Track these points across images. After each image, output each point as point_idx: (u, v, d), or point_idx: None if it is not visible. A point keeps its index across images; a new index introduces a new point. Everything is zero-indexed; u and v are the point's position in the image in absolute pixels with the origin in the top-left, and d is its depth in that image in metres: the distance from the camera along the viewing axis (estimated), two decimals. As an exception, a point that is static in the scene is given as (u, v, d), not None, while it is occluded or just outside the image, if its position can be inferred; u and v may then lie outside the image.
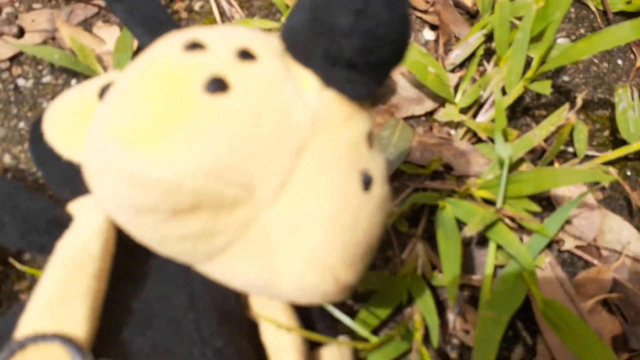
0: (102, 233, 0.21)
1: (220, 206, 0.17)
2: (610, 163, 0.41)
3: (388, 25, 0.17)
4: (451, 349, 0.34)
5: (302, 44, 0.19)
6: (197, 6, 0.43)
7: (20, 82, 0.38)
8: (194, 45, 0.18)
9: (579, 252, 0.37)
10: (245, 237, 0.18)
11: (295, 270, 0.19)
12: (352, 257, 0.19)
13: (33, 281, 0.32)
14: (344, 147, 0.19)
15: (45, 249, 0.22)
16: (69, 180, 0.25)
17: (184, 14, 0.43)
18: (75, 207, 0.23)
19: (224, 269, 0.20)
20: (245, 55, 0.18)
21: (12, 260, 0.32)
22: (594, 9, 0.49)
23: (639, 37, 0.33)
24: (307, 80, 0.19)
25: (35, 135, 0.26)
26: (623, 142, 0.40)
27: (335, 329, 0.27)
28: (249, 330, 0.24)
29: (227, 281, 0.21)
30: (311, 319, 0.26)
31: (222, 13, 0.43)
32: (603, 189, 0.41)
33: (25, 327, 0.18)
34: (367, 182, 0.19)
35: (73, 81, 0.38)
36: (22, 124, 0.37)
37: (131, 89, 0.18)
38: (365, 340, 0.29)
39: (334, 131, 0.18)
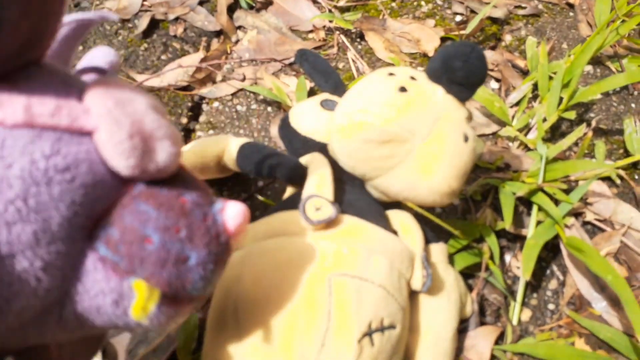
0: (328, 165, 0.43)
1: (400, 141, 0.39)
2: (623, 169, 0.60)
3: (478, 67, 0.39)
4: (507, 278, 0.53)
5: (437, 75, 0.41)
6: (340, 66, 0.68)
7: (239, 107, 0.63)
8: (390, 74, 0.41)
9: (597, 223, 0.56)
10: (407, 159, 0.40)
11: (430, 177, 0.40)
12: (458, 174, 0.40)
13: (264, 210, 0.55)
14: (456, 120, 0.40)
15: (293, 179, 0.45)
16: (303, 146, 0.48)
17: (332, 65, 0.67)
18: (305, 159, 0.46)
19: (392, 178, 0.41)
20: (413, 78, 0.41)
21: (257, 195, 0.54)
22: (614, 70, 0.69)
23: (630, 82, 0.53)
24: (439, 89, 0.41)
25: (284, 123, 0.49)
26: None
27: (437, 238, 0.48)
28: (392, 227, 0.44)
29: (390, 187, 0.42)
30: (424, 230, 0.47)
31: (357, 70, 0.67)
32: (617, 186, 0.59)
33: (307, 193, 0.40)
34: (466, 138, 0.41)
35: (269, 108, 0.63)
36: (241, 132, 0.61)
37: (364, 90, 0.41)
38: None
39: (451, 112, 0.40)
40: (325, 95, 0.50)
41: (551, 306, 0.52)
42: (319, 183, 0.41)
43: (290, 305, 0.34)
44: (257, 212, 0.55)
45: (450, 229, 0.45)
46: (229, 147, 0.48)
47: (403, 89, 0.39)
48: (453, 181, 0.40)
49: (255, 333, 0.34)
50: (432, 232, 0.47)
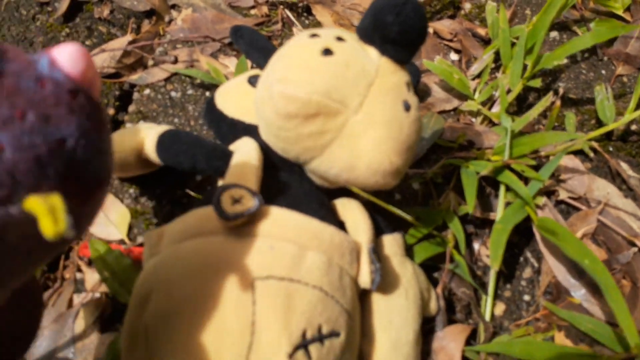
0: (256, 149, 0.37)
1: (329, 114, 0.33)
2: (596, 141, 0.54)
3: (413, 20, 0.33)
4: (477, 268, 0.48)
5: (368, 34, 0.35)
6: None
7: (173, 94, 0.56)
8: (313, 35, 0.35)
9: (571, 202, 0.51)
10: (340, 135, 0.34)
11: (368, 153, 0.34)
12: (400, 149, 0.34)
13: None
14: (393, 86, 0.34)
15: (219, 169, 0.38)
16: (232, 130, 0.41)
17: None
18: (234, 145, 0.40)
19: (327, 160, 0.35)
20: (340, 39, 0.35)
21: (189, 191, 0.48)
22: (581, 34, 0.64)
23: (595, 43, 0.48)
24: (372, 51, 0.35)
25: (210, 106, 0.43)
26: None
27: (392, 228, 0.42)
28: (337, 220, 0.39)
29: (328, 170, 0.36)
30: (377, 220, 0.41)
31: (304, 46, 0.61)
32: (590, 160, 0.54)
33: (226, 182, 0.34)
34: (407, 107, 0.35)
35: (207, 92, 0.56)
36: (176, 120, 0.54)
37: (282, 57, 0.35)
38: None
39: (387, 77, 0.34)
40: (253, 72, 0.44)
41: (527, 297, 0.47)
42: (239, 172, 0.35)
43: (205, 319, 0.28)
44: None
45: (405, 216, 0.39)
46: (148, 137, 0.41)
47: (328, 52, 0.33)
48: (395, 157, 0.34)
49: (165, 356, 0.28)
50: (385, 222, 0.41)
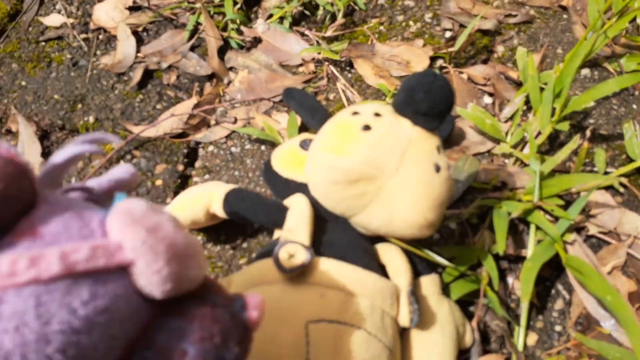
0: (308, 206, 0.43)
1: (369, 179, 0.39)
2: (625, 176, 0.57)
3: (441, 95, 0.39)
4: (511, 301, 0.52)
5: (401, 107, 0.41)
6: (331, 97, 0.68)
7: (233, 149, 0.64)
8: (355, 113, 0.41)
9: (601, 236, 0.54)
10: (379, 196, 0.40)
11: (404, 211, 0.40)
12: (432, 205, 0.40)
13: (251, 258, 0.55)
14: (424, 152, 0.40)
15: (277, 222, 0.45)
16: (286, 188, 0.48)
17: (324, 102, 0.67)
18: (288, 201, 0.46)
19: (368, 216, 0.41)
20: (377, 114, 0.41)
21: (247, 239, 0.55)
22: (613, 71, 0.67)
23: (620, 88, 0.52)
24: (405, 123, 0.41)
25: (267, 167, 0.50)
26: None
27: (429, 269, 0.47)
28: (380, 266, 0.44)
29: (369, 224, 0.42)
30: (415, 262, 0.46)
31: (347, 99, 0.67)
32: (622, 194, 0.57)
33: (282, 239, 0.40)
34: (437, 169, 0.40)
35: (262, 147, 0.64)
36: (236, 173, 0.62)
37: (329, 132, 0.41)
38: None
39: (419, 144, 0.40)
40: (304, 135, 0.50)
41: (558, 328, 0.50)
42: (294, 226, 0.41)
43: (266, 357, 0.35)
44: (253, 254, 0.55)
45: (439, 260, 0.44)
46: (215, 196, 0.49)
47: (367, 127, 0.39)
48: (428, 213, 0.40)
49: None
50: (423, 263, 0.47)
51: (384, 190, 0.39)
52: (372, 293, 0.39)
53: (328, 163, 0.39)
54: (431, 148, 0.41)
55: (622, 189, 0.56)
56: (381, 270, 0.44)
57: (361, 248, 0.44)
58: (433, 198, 0.40)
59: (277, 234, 0.48)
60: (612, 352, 0.46)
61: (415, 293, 0.42)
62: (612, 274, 0.52)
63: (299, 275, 0.38)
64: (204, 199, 0.49)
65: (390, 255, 0.44)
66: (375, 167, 0.39)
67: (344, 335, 0.36)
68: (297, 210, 0.43)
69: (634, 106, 0.64)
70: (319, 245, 0.41)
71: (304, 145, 0.49)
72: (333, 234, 0.44)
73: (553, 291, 0.52)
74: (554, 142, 0.62)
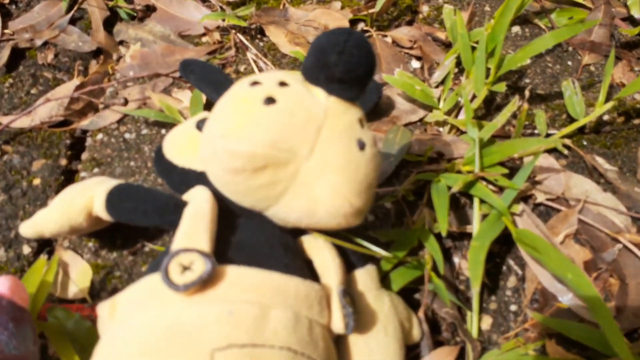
0: (210, 201, 0.35)
1: (278, 164, 0.31)
2: (568, 137, 0.53)
3: (358, 57, 0.31)
4: (459, 283, 0.46)
5: (312, 74, 0.33)
6: (242, 69, 0.59)
7: (127, 135, 0.54)
8: (254, 83, 0.33)
9: (550, 203, 0.49)
10: (294, 184, 0.32)
11: (325, 199, 0.32)
12: (359, 189, 0.32)
13: (156, 265, 0.46)
14: (344, 126, 0.32)
15: (174, 223, 0.36)
16: (183, 180, 0.39)
17: (233, 76, 0.58)
18: (188, 195, 0.37)
19: (284, 208, 0.33)
20: (283, 84, 0.33)
21: (147, 243, 0.46)
22: (544, 27, 0.62)
23: (556, 43, 0.46)
24: (318, 92, 0.33)
25: (158, 156, 0.41)
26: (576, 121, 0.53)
27: (364, 259, 0.40)
28: (305, 262, 0.37)
29: (287, 217, 0.34)
30: (347, 254, 0.39)
31: (260, 70, 0.58)
32: (565, 157, 0.53)
33: (174, 247, 0.31)
34: (361, 145, 0.33)
35: (162, 130, 0.54)
36: (132, 163, 0.52)
37: (223, 109, 0.32)
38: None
39: (337, 118, 0.32)
40: (203, 114, 0.41)
41: (513, 307, 0.45)
42: (190, 230, 0.32)
43: None
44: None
45: (376, 251, 0.37)
46: (96, 196, 0.39)
47: (270, 100, 0.31)
48: (354, 199, 0.32)
49: None
50: (356, 255, 0.39)
51: (299, 176, 0.31)
52: (295, 302, 0.31)
53: (224, 148, 0.31)
54: (351, 121, 0.33)
55: (565, 151, 0.52)
56: (308, 268, 0.36)
57: (281, 245, 0.35)
58: (358, 181, 0.32)
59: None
60: (575, 330, 0.40)
61: (349, 293, 0.34)
62: (564, 244, 0.47)
63: (198, 290, 0.29)
64: (83, 200, 0.40)
65: (318, 249, 0.36)
66: (284, 149, 0.31)
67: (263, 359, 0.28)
68: (194, 207, 0.34)
69: (569, 63, 0.60)
70: (225, 248, 0.33)
71: (201, 125, 0.40)
72: (244, 232, 0.35)
73: (504, 268, 0.47)
74: (489, 106, 0.56)
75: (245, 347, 0.28)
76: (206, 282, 0.29)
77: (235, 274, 0.30)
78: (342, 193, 0.32)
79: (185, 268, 0.29)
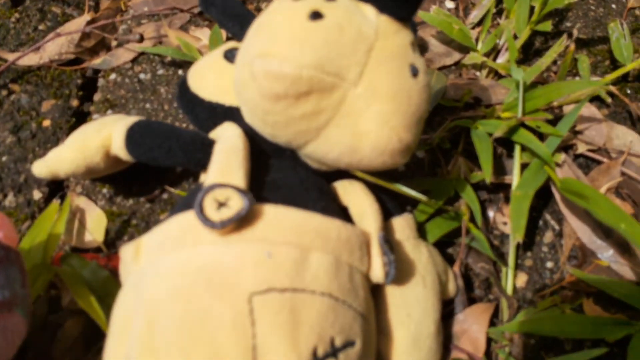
0: (242, 136, 0.32)
1: (323, 90, 0.28)
2: (613, 84, 0.49)
3: None
4: (493, 238, 0.44)
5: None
6: (263, 5, 0.55)
7: (142, 76, 0.51)
8: (300, -2, 0.29)
9: (591, 154, 0.46)
10: (339, 114, 0.29)
11: (372, 132, 0.29)
12: (409, 122, 0.29)
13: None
14: (396, 48, 0.29)
15: (200, 162, 0.34)
16: (210, 116, 0.36)
17: (255, 13, 0.54)
18: (215, 133, 0.35)
19: (325, 143, 0.30)
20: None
21: (168, 188, 0.43)
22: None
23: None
24: (369, 10, 0.29)
25: (182, 89, 0.38)
26: (621, 67, 0.49)
27: (400, 209, 0.37)
28: (341, 208, 0.34)
29: (326, 154, 0.31)
30: (383, 201, 0.36)
31: (283, 8, 0.54)
32: (608, 106, 0.49)
33: (208, 182, 0.29)
34: (414, 72, 0.30)
35: (180, 71, 0.51)
36: (148, 105, 0.49)
37: (262, 26, 0.29)
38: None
39: (389, 38, 0.29)
40: (230, 44, 0.38)
41: (549, 264, 0.43)
42: (224, 166, 0.30)
43: (197, 349, 0.24)
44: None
45: (417, 196, 0.35)
46: (115, 133, 0.36)
47: (317, 15, 0.28)
48: (404, 133, 0.29)
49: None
50: (393, 202, 0.37)
51: (345, 105, 0.28)
52: (336, 246, 0.29)
53: (265, 70, 0.27)
54: (404, 44, 0.30)
55: (609, 99, 0.49)
56: (343, 214, 0.33)
57: (316, 188, 0.33)
58: (410, 113, 0.29)
59: (203, 178, 0.36)
60: (616, 288, 0.38)
61: (389, 240, 0.32)
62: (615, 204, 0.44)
63: (234, 230, 0.27)
64: (100, 138, 0.37)
65: (354, 194, 0.34)
66: (331, 72, 0.27)
67: (302, 306, 0.26)
68: (227, 142, 0.31)
69: (613, 6, 0.56)
70: (260, 187, 0.30)
71: (230, 55, 0.36)
72: (278, 172, 0.33)
73: (540, 222, 0.44)
74: (528, 50, 0.52)
75: (286, 292, 0.25)
76: (244, 219, 0.27)
77: (274, 213, 0.28)
78: (392, 125, 0.29)
79: (221, 204, 0.26)
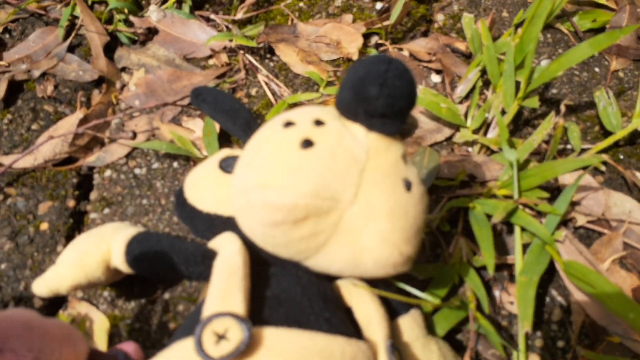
0: (241, 252, 0.32)
1: (320, 214, 0.28)
2: (604, 151, 0.50)
3: (400, 88, 0.28)
4: (501, 318, 0.43)
5: (350, 109, 0.30)
6: (253, 92, 0.56)
7: (137, 171, 0.51)
8: (288, 124, 0.30)
9: (591, 226, 0.46)
10: (337, 233, 0.29)
11: (373, 248, 0.29)
12: (408, 235, 0.29)
13: (176, 313, 0.43)
14: (388, 165, 0.29)
15: (202, 275, 0.33)
16: (209, 227, 0.36)
17: (245, 100, 0.55)
18: (214, 243, 0.34)
19: (325, 259, 0.30)
20: (318, 122, 0.30)
21: (167, 296, 0.43)
22: (566, 31, 0.59)
23: (595, 53, 0.43)
24: (357, 129, 0.30)
25: (180, 200, 0.38)
26: (611, 134, 0.50)
27: (407, 305, 0.37)
28: (345, 311, 0.34)
29: (328, 268, 0.31)
30: (388, 300, 0.36)
31: (273, 93, 0.55)
32: (602, 173, 0.50)
33: (206, 312, 0.28)
34: (408, 186, 0.30)
35: (174, 163, 0.51)
36: (144, 201, 0.49)
37: (256, 155, 0.29)
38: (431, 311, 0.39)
39: (380, 156, 0.29)
40: (224, 152, 0.38)
41: (560, 343, 0.42)
42: (224, 288, 0.29)
43: None
44: (179, 307, 0.43)
45: (421, 296, 0.34)
46: (114, 248, 0.36)
47: (308, 143, 0.28)
48: (404, 246, 0.29)
49: None
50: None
51: (342, 223, 0.28)
52: (342, 364, 0.28)
53: (262, 201, 0.28)
54: (396, 159, 0.30)
55: (603, 167, 0.49)
56: (348, 317, 0.33)
57: (319, 297, 0.32)
58: (408, 226, 0.29)
59: (205, 293, 0.35)
60: (630, 370, 0.38)
61: (397, 348, 0.31)
62: (609, 270, 0.44)
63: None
64: (99, 253, 0.36)
65: (359, 298, 0.33)
66: (327, 196, 0.28)
67: None
68: (224, 262, 0.31)
69: (597, 69, 0.57)
70: (260, 305, 0.30)
71: (225, 165, 0.37)
72: (279, 284, 0.32)
73: (547, 299, 0.44)
74: (517, 121, 0.53)
75: None
76: (244, 351, 0.26)
77: (274, 339, 0.27)
78: (392, 241, 0.29)
79: (221, 337, 0.26)
